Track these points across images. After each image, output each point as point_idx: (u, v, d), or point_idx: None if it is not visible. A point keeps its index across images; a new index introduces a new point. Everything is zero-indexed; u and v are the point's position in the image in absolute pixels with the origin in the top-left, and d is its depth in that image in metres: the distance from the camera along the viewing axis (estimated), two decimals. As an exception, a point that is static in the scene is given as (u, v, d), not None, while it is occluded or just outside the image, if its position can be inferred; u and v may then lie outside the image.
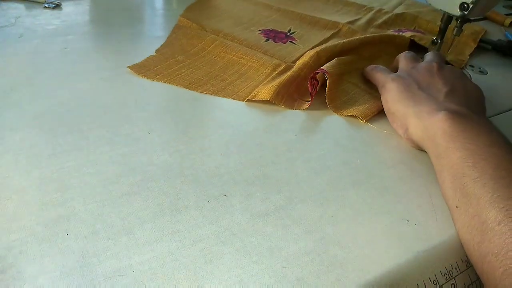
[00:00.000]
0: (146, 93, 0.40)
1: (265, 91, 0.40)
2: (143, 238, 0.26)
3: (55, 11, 0.54)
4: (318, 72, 0.41)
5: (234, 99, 0.40)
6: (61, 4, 0.56)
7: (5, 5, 0.54)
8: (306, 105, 0.40)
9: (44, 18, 0.52)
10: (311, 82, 0.40)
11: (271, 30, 0.55)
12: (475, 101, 0.36)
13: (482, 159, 0.27)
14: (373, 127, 0.39)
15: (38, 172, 0.29)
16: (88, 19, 0.54)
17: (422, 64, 0.40)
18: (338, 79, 0.43)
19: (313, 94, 0.40)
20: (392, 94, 0.38)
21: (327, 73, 0.40)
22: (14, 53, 0.43)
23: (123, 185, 0.29)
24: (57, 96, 0.37)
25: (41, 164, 0.30)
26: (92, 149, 0.32)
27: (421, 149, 0.35)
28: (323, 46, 0.47)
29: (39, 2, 0.55)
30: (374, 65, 0.44)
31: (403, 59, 0.43)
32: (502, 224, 0.24)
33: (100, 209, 0.27)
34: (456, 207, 0.28)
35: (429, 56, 0.43)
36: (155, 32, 0.52)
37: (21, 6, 0.54)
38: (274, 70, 0.45)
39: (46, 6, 0.54)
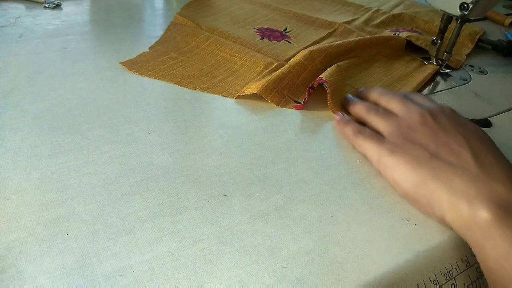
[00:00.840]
0: (146, 93, 0.40)
1: (253, 86, 0.40)
2: (143, 238, 0.26)
3: (55, 11, 0.54)
4: (318, 82, 0.41)
5: (224, 96, 0.41)
6: (61, 4, 0.56)
7: (5, 5, 0.54)
8: (294, 105, 0.40)
9: (44, 18, 0.52)
10: (309, 92, 0.40)
11: (267, 29, 0.55)
12: (495, 152, 0.29)
13: None
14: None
15: (38, 172, 0.29)
16: (88, 19, 0.54)
17: (412, 117, 0.32)
18: (338, 87, 0.42)
19: (306, 101, 0.40)
20: (402, 173, 0.29)
21: (326, 82, 0.40)
22: (14, 53, 0.43)
23: (123, 185, 0.29)
24: (57, 96, 0.37)
25: (41, 164, 0.30)
26: (92, 149, 0.32)
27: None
28: (316, 46, 0.47)
29: (39, 2, 0.55)
30: (357, 127, 0.34)
31: (373, 117, 0.34)
32: None
33: (100, 209, 0.27)
34: None
35: (394, 99, 0.35)
36: (155, 32, 0.52)
37: (21, 6, 0.54)
38: (266, 68, 0.45)
39: (46, 6, 0.54)
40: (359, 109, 0.37)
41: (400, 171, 0.29)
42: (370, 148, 0.32)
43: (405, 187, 0.29)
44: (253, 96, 0.40)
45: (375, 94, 0.38)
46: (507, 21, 0.68)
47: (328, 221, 0.28)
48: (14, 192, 0.28)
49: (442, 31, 0.49)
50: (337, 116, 0.37)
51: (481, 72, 0.53)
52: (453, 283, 0.27)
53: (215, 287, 0.23)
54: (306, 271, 0.25)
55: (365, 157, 0.34)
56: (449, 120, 0.31)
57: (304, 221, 0.28)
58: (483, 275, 0.27)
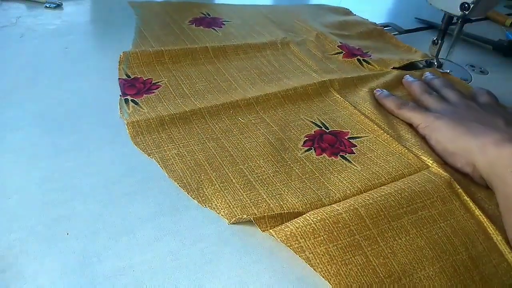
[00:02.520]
0: (146, 93, 0.40)
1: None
2: (144, 238, 0.26)
3: (56, 11, 0.54)
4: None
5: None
6: (62, 4, 0.56)
7: (6, 5, 0.54)
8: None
9: (45, 18, 0.52)
10: None
11: None
12: None
13: None
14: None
15: (39, 172, 0.29)
16: (89, 19, 0.54)
17: (457, 102, 0.38)
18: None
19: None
20: (444, 132, 0.34)
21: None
22: (15, 53, 0.43)
23: (123, 185, 0.29)
24: (58, 96, 0.37)
25: (42, 164, 0.30)
26: (93, 149, 0.32)
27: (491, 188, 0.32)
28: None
29: (40, 2, 0.55)
30: (399, 101, 0.40)
31: (428, 97, 0.40)
32: None
33: (100, 209, 0.27)
34: None
35: (452, 93, 0.40)
36: (155, 32, 0.52)
37: (22, 6, 0.54)
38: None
39: (47, 6, 0.54)
40: (416, 87, 0.43)
41: (442, 131, 0.35)
42: (415, 116, 0.38)
43: (445, 143, 0.34)
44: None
45: (437, 82, 0.44)
46: (508, 21, 0.68)
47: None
48: (14, 192, 0.28)
49: (443, 31, 0.49)
50: (377, 92, 0.42)
51: (482, 72, 0.53)
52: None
53: (215, 287, 0.23)
54: (306, 271, 0.25)
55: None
56: (492, 106, 0.38)
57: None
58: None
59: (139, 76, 0.41)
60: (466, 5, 0.43)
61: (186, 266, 0.24)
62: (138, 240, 0.25)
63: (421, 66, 0.52)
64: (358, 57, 0.50)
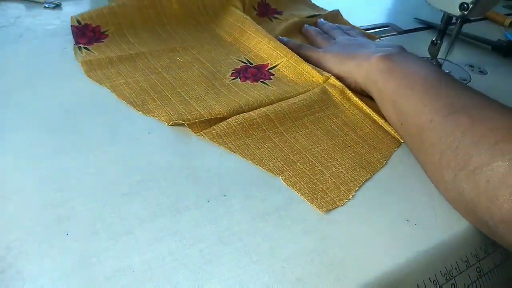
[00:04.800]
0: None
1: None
2: (143, 238, 0.26)
3: (55, 11, 0.54)
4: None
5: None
6: (61, 4, 0.55)
7: (4, 5, 0.54)
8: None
9: (44, 18, 0.52)
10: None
11: None
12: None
13: (413, 81, 0.34)
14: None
15: (38, 172, 0.29)
16: (88, 19, 0.54)
17: (341, 38, 0.49)
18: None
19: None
20: (332, 60, 0.44)
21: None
22: (14, 53, 0.43)
23: (123, 185, 0.29)
24: (57, 96, 0.37)
25: (41, 164, 0.30)
26: (92, 149, 0.32)
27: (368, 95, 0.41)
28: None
29: (39, 2, 0.55)
30: (297, 44, 0.49)
31: (320, 39, 0.51)
32: (434, 122, 0.30)
33: (100, 209, 0.27)
34: (401, 124, 0.34)
35: (337, 32, 0.52)
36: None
37: (21, 6, 0.54)
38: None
39: (46, 6, 0.54)
40: (311, 32, 0.54)
41: (330, 61, 0.45)
42: (311, 53, 0.47)
43: (334, 67, 0.44)
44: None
45: (326, 26, 0.55)
46: (507, 21, 0.68)
47: (328, 221, 0.28)
48: (14, 192, 0.28)
49: (442, 31, 0.49)
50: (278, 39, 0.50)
51: (481, 72, 0.53)
52: (453, 283, 0.27)
53: (215, 287, 0.23)
54: (306, 271, 0.25)
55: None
56: (369, 40, 0.48)
57: (304, 221, 0.28)
58: (483, 275, 0.27)
59: (88, 23, 0.47)
60: (465, 5, 0.43)
61: (185, 267, 0.24)
62: (137, 240, 0.25)
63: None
64: (270, 16, 0.60)
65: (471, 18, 0.46)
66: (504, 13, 0.73)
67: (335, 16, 0.61)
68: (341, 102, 0.41)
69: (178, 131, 0.35)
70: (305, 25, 0.56)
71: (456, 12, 0.45)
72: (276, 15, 0.60)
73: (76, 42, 0.45)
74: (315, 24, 0.57)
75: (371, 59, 0.39)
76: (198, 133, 0.34)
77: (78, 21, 0.47)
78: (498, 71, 0.54)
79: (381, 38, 0.59)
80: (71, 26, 0.46)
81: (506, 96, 0.45)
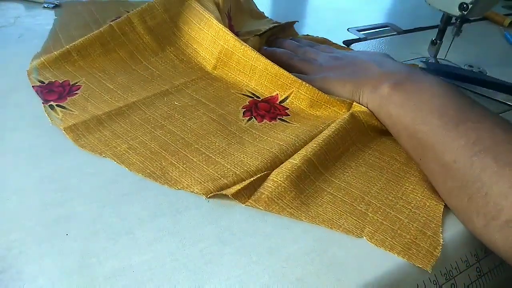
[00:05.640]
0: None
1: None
2: (143, 238, 0.26)
3: (54, 11, 0.54)
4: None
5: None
6: (60, 4, 0.55)
7: (4, 5, 0.54)
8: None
9: (44, 18, 0.52)
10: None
11: None
12: (393, 62, 0.41)
13: (429, 114, 0.32)
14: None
15: (38, 172, 0.29)
16: (87, 19, 0.54)
17: (325, 57, 0.44)
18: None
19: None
20: (339, 87, 0.40)
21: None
22: (14, 53, 0.43)
23: (123, 185, 0.29)
24: (57, 96, 0.37)
25: (41, 164, 0.30)
26: (92, 149, 0.32)
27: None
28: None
29: (38, 2, 0.55)
30: (283, 53, 0.45)
31: (299, 62, 0.44)
32: (458, 163, 0.28)
33: (100, 209, 0.27)
34: (420, 159, 0.32)
35: (305, 48, 0.47)
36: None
37: (20, 6, 0.54)
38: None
39: (46, 6, 0.54)
40: (281, 55, 0.45)
41: (335, 87, 0.40)
42: (310, 82, 0.39)
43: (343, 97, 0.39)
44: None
45: (291, 46, 0.48)
46: (507, 21, 0.68)
47: (328, 221, 0.28)
48: (13, 192, 0.28)
49: (441, 31, 0.49)
50: (264, 50, 0.46)
51: (481, 72, 0.53)
52: (453, 283, 0.27)
53: (215, 287, 0.23)
54: (306, 271, 0.25)
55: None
56: (354, 55, 0.44)
57: (304, 221, 0.28)
58: (483, 275, 0.27)
59: (53, 80, 0.39)
60: (465, 5, 0.43)
61: (185, 267, 0.24)
62: (137, 240, 0.25)
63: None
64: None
65: (471, 18, 0.46)
66: (504, 13, 0.73)
67: (291, 27, 0.54)
68: (366, 129, 0.36)
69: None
70: (265, 48, 0.47)
71: (456, 12, 0.45)
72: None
73: (45, 101, 0.36)
74: (272, 43, 0.50)
75: (382, 89, 0.36)
76: (246, 202, 0.28)
77: (41, 81, 0.39)
78: (497, 71, 0.54)
79: (381, 39, 0.59)
80: (33, 87, 0.38)
81: (506, 97, 0.45)
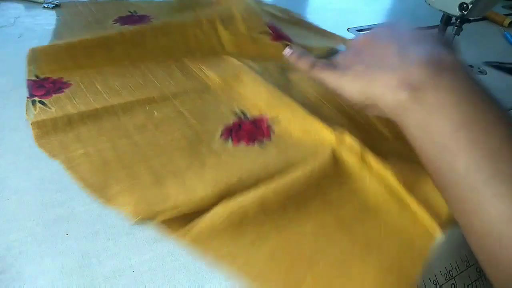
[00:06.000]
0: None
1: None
2: (143, 238, 0.26)
3: (54, 11, 0.54)
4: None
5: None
6: (60, 4, 0.55)
7: (4, 5, 0.54)
8: None
9: (44, 18, 0.52)
10: None
11: None
12: (419, 41, 0.31)
13: (477, 133, 0.25)
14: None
15: (38, 172, 0.29)
16: (87, 19, 0.54)
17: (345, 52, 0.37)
18: None
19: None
20: (349, 91, 0.32)
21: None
22: (14, 53, 0.43)
23: (123, 185, 0.29)
24: (57, 96, 0.37)
25: (41, 164, 0.30)
26: (92, 149, 0.32)
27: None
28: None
29: (38, 2, 0.55)
30: (311, 60, 0.36)
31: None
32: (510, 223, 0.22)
33: (99, 210, 0.27)
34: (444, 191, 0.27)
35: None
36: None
37: (20, 6, 0.54)
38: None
39: (46, 6, 0.54)
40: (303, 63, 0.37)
41: (347, 89, 0.32)
42: (326, 75, 0.34)
43: (355, 100, 0.32)
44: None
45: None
46: (506, 21, 0.68)
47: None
48: (13, 192, 0.27)
49: (441, 31, 0.49)
50: (288, 50, 0.38)
51: (480, 72, 0.53)
52: (453, 283, 0.27)
53: (215, 287, 0.23)
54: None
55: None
56: (373, 33, 0.36)
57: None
58: (483, 275, 0.27)
59: (49, 76, 0.38)
60: (465, 5, 0.43)
61: (185, 267, 0.24)
62: (137, 240, 0.25)
63: None
64: (285, 41, 0.47)
65: (471, 18, 0.46)
66: (504, 13, 0.73)
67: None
68: (359, 172, 0.31)
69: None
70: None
71: (456, 12, 0.45)
72: (289, 43, 0.47)
73: (30, 95, 0.36)
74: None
75: (398, 94, 0.28)
76: (176, 233, 0.26)
77: (37, 75, 0.38)
78: (497, 71, 0.54)
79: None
80: (27, 80, 0.37)
81: (506, 96, 0.45)
